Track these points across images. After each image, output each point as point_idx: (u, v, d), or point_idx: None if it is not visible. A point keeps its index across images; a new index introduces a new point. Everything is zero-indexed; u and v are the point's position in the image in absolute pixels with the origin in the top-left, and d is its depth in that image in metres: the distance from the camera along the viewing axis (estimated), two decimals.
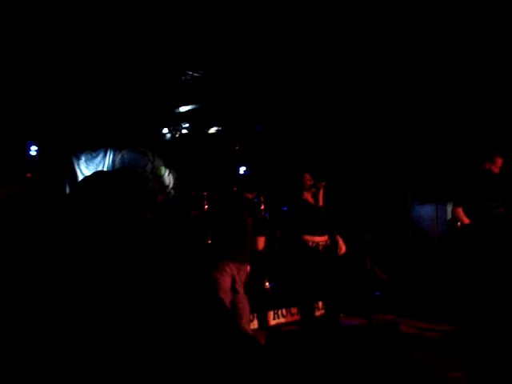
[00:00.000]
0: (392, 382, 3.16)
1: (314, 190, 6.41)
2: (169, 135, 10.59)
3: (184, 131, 10.43)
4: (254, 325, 6.98)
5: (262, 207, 8.88)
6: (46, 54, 6.99)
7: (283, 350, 3.28)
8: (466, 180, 6.24)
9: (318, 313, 7.73)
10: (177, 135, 10.51)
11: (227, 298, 5.79)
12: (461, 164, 7.47)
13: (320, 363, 3.22)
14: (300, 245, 6.25)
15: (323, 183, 6.39)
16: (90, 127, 9.72)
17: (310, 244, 6.24)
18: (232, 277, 5.84)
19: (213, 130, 10.58)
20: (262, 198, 8.88)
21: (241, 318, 5.90)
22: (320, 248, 6.27)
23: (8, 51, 6.75)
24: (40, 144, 9.39)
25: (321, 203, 6.38)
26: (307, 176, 6.44)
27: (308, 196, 6.44)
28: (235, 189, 6.50)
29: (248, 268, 6.14)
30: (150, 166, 10.75)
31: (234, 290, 5.89)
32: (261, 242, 6.12)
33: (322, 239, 6.30)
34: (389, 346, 3.32)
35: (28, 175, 9.59)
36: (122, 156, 10.56)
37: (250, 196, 6.18)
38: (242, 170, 10.57)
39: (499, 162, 6.15)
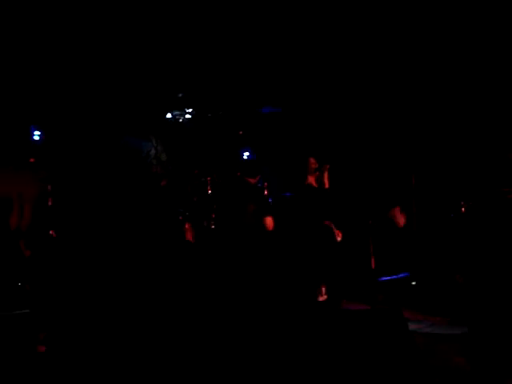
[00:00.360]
0: (395, 367, 3.16)
1: (317, 173, 6.35)
2: (172, 120, 10.54)
3: (188, 116, 10.38)
4: None
5: (266, 193, 8.85)
6: (51, 38, 6.96)
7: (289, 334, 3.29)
8: (482, 166, 6.16)
9: (320, 298, 7.73)
10: (180, 120, 10.46)
11: None
12: (471, 150, 7.40)
13: (323, 348, 3.22)
14: (308, 229, 6.18)
15: (327, 166, 6.32)
16: (94, 111, 9.68)
17: (318, 229, 6.17)
18: None
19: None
20: (265, 184, 8.85)
21: None
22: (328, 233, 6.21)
23: (11, 35, 6.72)
24: (44, 129, 9.36)
25: (326, 186, 6.31)
26: (312, 160, 6.38)
27: (312, 180, 6.38)
28: (238, 174, 6.48)
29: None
30: (153, 151, 10.71)
31: None
32: (269, 221, 6.07)
33: (328, 223, 6.24)
34: (392, 331, 3.31)
35: (31, 160, 9.59)
36: (126, 141, 10.53)
37: (252, 181, 6.16)
38: (246, 154, 10.53)
39: None
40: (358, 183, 9.74)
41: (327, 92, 9.15)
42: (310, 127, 10.10)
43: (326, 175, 6.33)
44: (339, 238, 6.35)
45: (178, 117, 10.43)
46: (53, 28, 6.64)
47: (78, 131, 10.19)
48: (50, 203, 8.72)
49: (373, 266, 6.45)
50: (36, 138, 9.31)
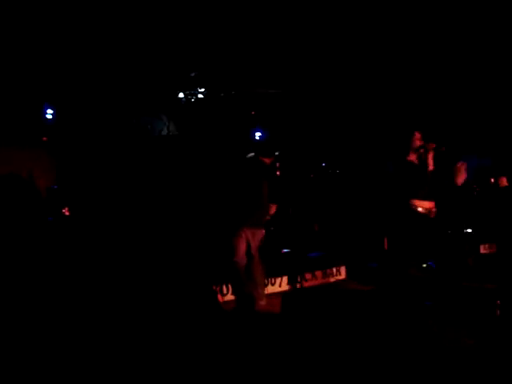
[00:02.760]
0: (407, 348, 3.17)
1: (422, 151, 5.92)
2: (184, 100, 10.53)
3: (200, 96, 10.36)
4: (268, 290, 7.00)
5: (278, 173, 8.86)
6: (65, 18, 6.94)
7: (298, 313, 3.30)
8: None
9: (332, 279, 7.77)
10: (192, 99, 10.45)
11: (242, 262, 5.82)
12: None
13: (335, 328, 3.24)
14: (407, 209, 5.84)
15: (433, 145, 5.89)
16: (107, 91, 9.68)
17: (419, 210, 5.83)
18: (247, 242, 5.86)
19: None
20: (277, 164, 8.86)
21: (255, 283, 5.93)
22: (431, 215, 5.88)
23: (25, 15, 6.71)
24: (56, 107, 9.38)
25: (431, 167, 5.89)
26: (417, 135, 5.95)
27: (413, 157, 5.98)
28: (253, 154, 6.41)
29: (263, 233, 6.12)
30: (165, 130, 10.72)
31: (249, 254, 5.91)
32: (273, 208, 6.12)
33: (430, 205, 5.87)
34: (403, 313, 3.32)
35: (44, 139, 9.62)
36: (138, 120, 10.53)
37: (267, 161, 6.12)
38: (258, 135, 10.52)
39: None
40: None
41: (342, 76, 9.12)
42: (323, 109, 10.06)
43: (431, 155, 5.87)
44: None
45: (190, 96, 10.42)
46: (66, 8, 6.62)
47: (90, 111, 10.20)
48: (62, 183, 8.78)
49: (385, 247, 6.41)
50: (49, 116, 9.33)
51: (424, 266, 6.65)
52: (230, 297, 6.42)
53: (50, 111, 9.32)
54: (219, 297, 6.52)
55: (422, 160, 5.85)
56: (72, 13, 6.79)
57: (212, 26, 7.51)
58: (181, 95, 10.47)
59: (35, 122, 9.18)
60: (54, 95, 9.27)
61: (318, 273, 7.65)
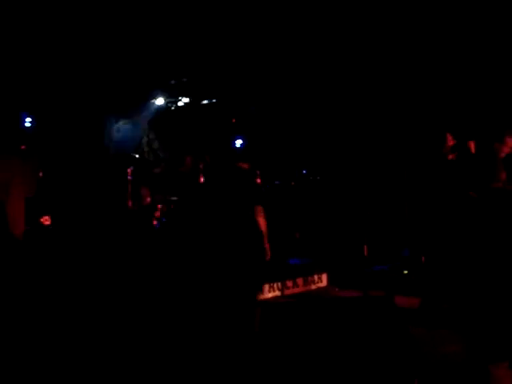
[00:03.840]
0: (389, 355, 3.15)
1: (456, 153, 5.85)
2: (165, 107, 10.49)
3: (180, 103, 10.32)
4: None
5: (259, 181, 8.82)
6: (40, 25, 6.88)
7: (279, 322, 3.27)
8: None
9: (314, 286, 7.75)
10: (173, 107, 10.41)
11: None
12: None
13: (315, 335, 3.21)
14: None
15: (471, 142, 5.84)
16: (86, 98, 9.61)
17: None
18: None
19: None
20: (258, 172, 8.83)
21: None
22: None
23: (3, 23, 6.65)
24: (35, 115, 9.27)
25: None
26: (449, 136, 5.88)
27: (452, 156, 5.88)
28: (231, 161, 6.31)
29: None
30: (145, 138, 10.67)
31: None
32: (259, 211, 5.86)
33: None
34: (384, 319, 3.30)
35: (22, 147, 9.50)
36: (118, 128, 10.47)
37: (245, 166, 5.95)
38: (239, 142, 10.48)
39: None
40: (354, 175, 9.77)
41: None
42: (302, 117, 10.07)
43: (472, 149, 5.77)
44: None
45: (170, 104, 10.38)
46: (41, 16, 6.56)
47: (69, 118, 10.11)
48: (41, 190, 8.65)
49: (365, 253, 6.41)
50: (27, 124, 9.22)
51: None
52: None
53: (28, 119, 9.22)
54: None
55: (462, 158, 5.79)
56: (50, 21, 6.73)
57: (192, 34, 7.49)
58: (161, 103, 10.43)
59: (13, 131, 9.07)
60: (32, 103, 9.17)
61: (300, 280, 7.63)
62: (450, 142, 5.84)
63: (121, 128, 10.49)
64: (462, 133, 5.99)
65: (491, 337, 3.01)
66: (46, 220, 8.04)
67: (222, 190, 5.81)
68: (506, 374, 2.95)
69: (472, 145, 5.81)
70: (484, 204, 3.20)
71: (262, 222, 5.70)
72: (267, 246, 5.73)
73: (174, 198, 8.07)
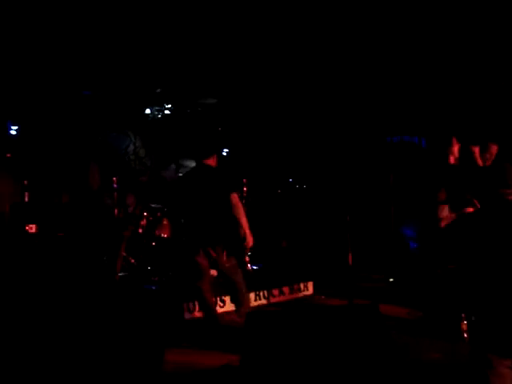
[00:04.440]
0: (373, 363, 3.17)
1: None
2: (151, 116, 10.48)
3: (167, 112, 10.32)
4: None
5: (245, 189, 8.86)
6: (27, 33, 6.87)
7: (263, 331, 3.28)
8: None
9: (300, 294, 7.77)
10: (159, 116, 10.41)
11: (205, 282, 5.73)
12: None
13: (300, 344, 3.22)
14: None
15: (476, 147, 5.80)
16: (72, 107, 9.59)
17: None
18: (212, 258, 5.70)
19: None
20: (244, 180, 8.86)
21: (241, 301, 5.88)
22: None
23: None
24: (20, 124, 9.24)
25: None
26: (455, 140, 5.82)
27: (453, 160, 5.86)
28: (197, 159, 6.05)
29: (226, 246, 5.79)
30: (131, 147, 10.65)
31: (219, 271, 5.86)
32: (234, 198, 5.62)
33: None
34: (369, 327, 3.33)
35: (8, 155, 9.45)
36: (105, 137, 10.45)
37: (212, 163, 5.73)
38: (225, 151, 10.51)
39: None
40: (337, 181, 9.81)
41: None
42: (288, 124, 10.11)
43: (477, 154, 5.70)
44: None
45: (156, 112, 10.38)
46: (29, 23, 6.55)
47: (55, 126, 10.08)
48: (26, 199, 8.62)
49: (350, 262, 6.42)
50: (13, 132, 9.19)
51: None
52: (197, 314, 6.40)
53: (14, 127, 9.19)
54: (186, 314, 6.47)
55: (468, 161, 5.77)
56: (34, 31, 6.73)
57: (177, 42, 7.52)
58: (147, 111, 10.42)
59: None
60: (18, 111, 9.15)
61: (286, 288, 7.64)
62: (455, 145, 5.81)
63: (107, 136, 10.47)
64: (465, 137, 6.00)
65: (497, 330, 3.00)
66: (31, 228, 8.01)
67: (190, 188, 5.65)
68: (507, 373, 2.95)
69: (477, 150, 5.78)
70: (493, 215, 3.17)
71: (239, 208, 5.56)
72: (247, 231, 5.63)
73: (160, 206, 8.06)
